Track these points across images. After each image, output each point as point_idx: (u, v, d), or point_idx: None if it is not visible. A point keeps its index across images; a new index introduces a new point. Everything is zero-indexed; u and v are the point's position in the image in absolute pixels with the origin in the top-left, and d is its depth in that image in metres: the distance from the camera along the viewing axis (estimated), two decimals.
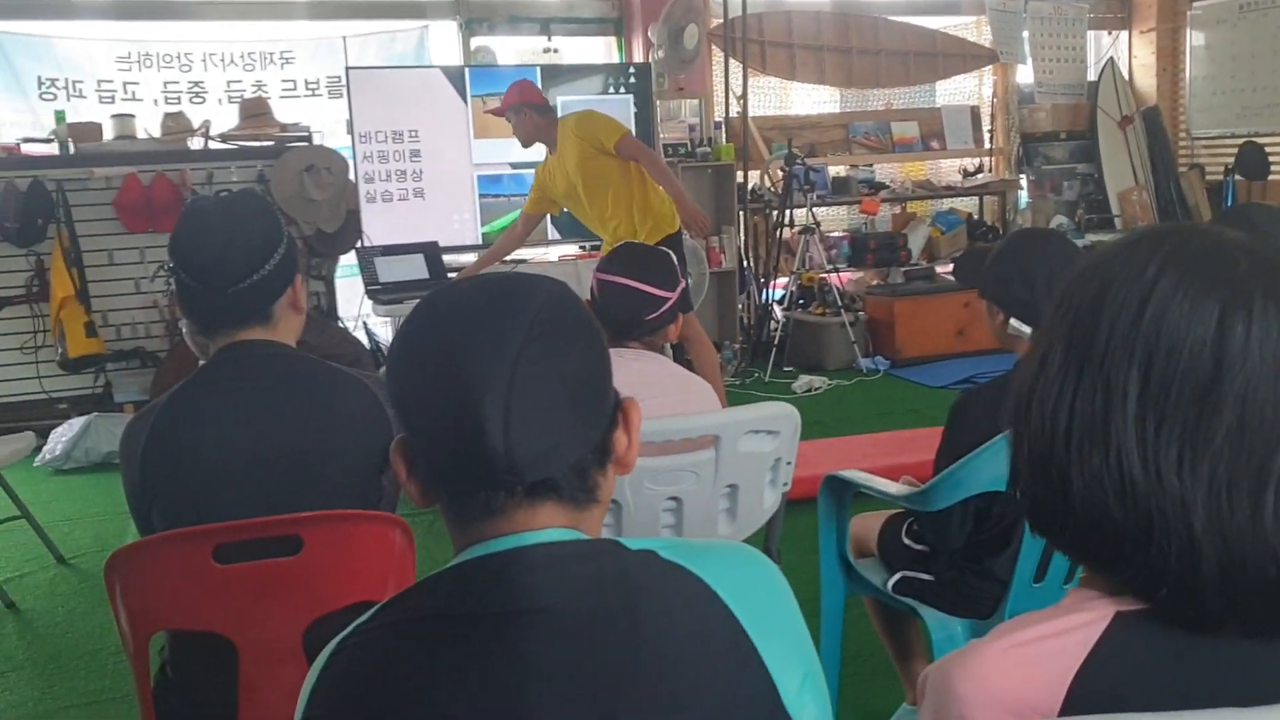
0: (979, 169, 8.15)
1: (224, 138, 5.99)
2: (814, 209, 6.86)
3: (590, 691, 0.87)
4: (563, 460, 0.93)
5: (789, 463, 2.16)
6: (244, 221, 1.79)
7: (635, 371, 2.12)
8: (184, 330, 5.27)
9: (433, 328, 0.94)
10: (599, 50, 7.31)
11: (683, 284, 2.27)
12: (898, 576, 2.36)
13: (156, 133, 5.89)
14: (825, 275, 6.87)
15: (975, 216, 8.05)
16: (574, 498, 0.95)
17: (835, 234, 7.60)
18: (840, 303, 6.70)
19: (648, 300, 2.20)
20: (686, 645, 0.90)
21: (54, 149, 5.71)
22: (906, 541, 2.39)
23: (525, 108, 4.83)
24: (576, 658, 0.88)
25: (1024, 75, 8.30)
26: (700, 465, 2.02)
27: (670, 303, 2.23)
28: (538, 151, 5.05)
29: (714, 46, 7.24)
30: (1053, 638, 0.94)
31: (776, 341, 6.75)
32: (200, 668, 1.77)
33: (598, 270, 2.28)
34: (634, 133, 6.38)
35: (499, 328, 0.91)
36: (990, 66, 8.22)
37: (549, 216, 5.59)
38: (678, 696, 0.88)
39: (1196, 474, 0.89)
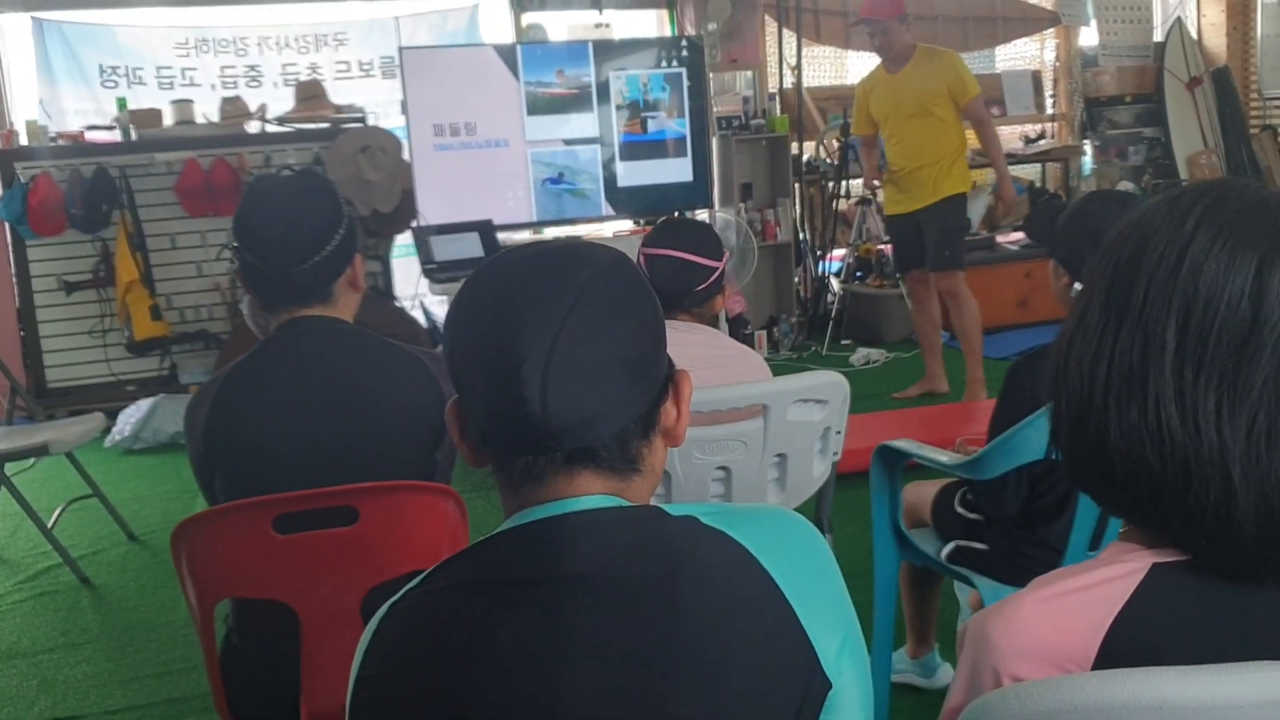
0: (1041, 135, 7.99)
1: (280, 121, 6.06)
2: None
3: (629, 657, 0.89)
4: (603, 429, 0.93)
5: (838, 432, 2.15)
6: (307, 203, 1.83)
7: (687, 343, 2.12)
8: (245, 312, 5.37)
9: (485, 292, 0.96)
10: (650, 23, 7.28)
11: (728, 254, 2.27)
12: (951, 546, 2.34)
13: (215, 117, 5.99)
14: (882, 246, 6.79)
15: (1037, 184, 7.91)
16: (614, 467, 0.96)
17: None
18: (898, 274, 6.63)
19: (697, 271, 2.20)
20: (725, 611, 0.90)
21: (116, 136, 5.83)
22: (960, 511, 2.37)
23: (906, 20, 5.06)
24: (616, 624, 0.89)
25: (1087, 37, 8.12)
26: (749, 435, 2.02)
27: (718, 272, 2.24)
28: (583, 127, 5.05)
29: (767, 17, 7.17)
30: (1089, 589, 0.95)
31: (833, 314, 6.70)
32: (264, 635, 1.82)
33: (644, 246, 2.29)
34: (687, 105, 6.39)
35: (547, 295, 0.92)
36: (1052, 29, 8.04)
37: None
38: (716, 662, 0.89)
39: (1235, 423, 0.89)
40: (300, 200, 1.82)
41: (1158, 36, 8.14)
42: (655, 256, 2.24)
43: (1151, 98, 8.12)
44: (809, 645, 0.91)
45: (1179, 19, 8.22)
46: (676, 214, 2.11)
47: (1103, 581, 0.95)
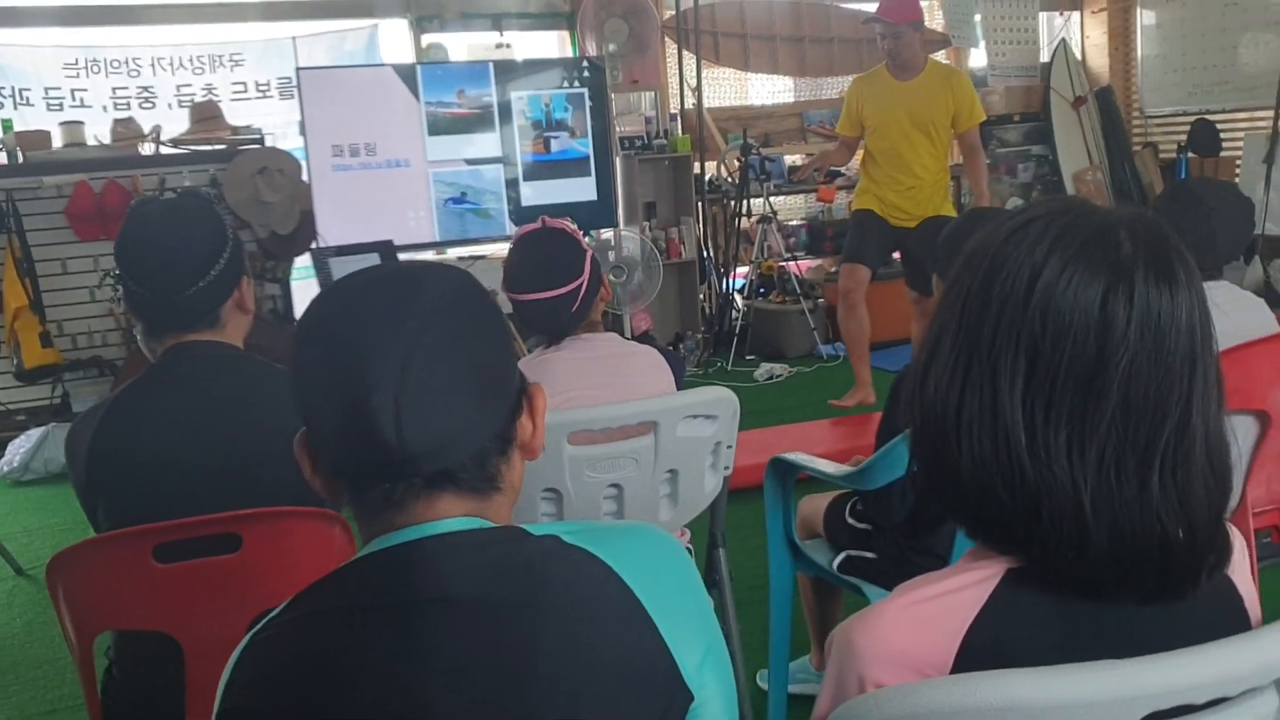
0: None
1: (175, 142, 5.94)
2: (771, 198, 6.89)
3: (493, 677, 0.89)
4: (460, 450, 0.93)
5: (729, 446, 2.18)
6: (189, 227, 1.81)
7: (567, 360, 2.14)
8: (139, 338, 5.24)
9: (327, 321, 0.94)
10: (552, 44, 7.31)
11: (589, 254, 2.24)
12: (842, 556, 2.39)
13: (106, 139, 5.85)
14: (784, 263, 6.90)
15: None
16: (474, 487, 0.96)
17: (793, 222, 7.64)
18: (800, 290, 6.74)
19: (562, 300, 2.18)
20: (587, 627, 0.91)
21: (2, 158, 5.65)
22: (850, 521, 2.43)
23: (921, 28, 4.89)
24: (479, 644, 0.89)
25: (977, 59, 8.35)
26: (640, 451, 2.04)
27: (584, 285, 2.20)
28: (486, 147, 4.97)
29: (667, 39, 7.25)
30: (947, 595, 0.98)
31: (738, 330, 6.78)
32: (146, 667, 1.79)
33: (504, 288, 2.25)
34: (590, 125, 6.41)
35: (391, 321, 0.91)
36: (943, 51, 8.25)
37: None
38: (579, 678, 0.90)
39: (1086, 457, 0.92)
40: (182, 224, 1.80)
41: (1044, 57, 8.41)
42: (519, 302, 2.21)
43: (1038, 116, 8.39)
44: (670, 659, 0.93)
45: (1064, 41, 8.51)
46: (533, 226, 1.98)
47: (959, 588, 0.98)
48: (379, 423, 0.88)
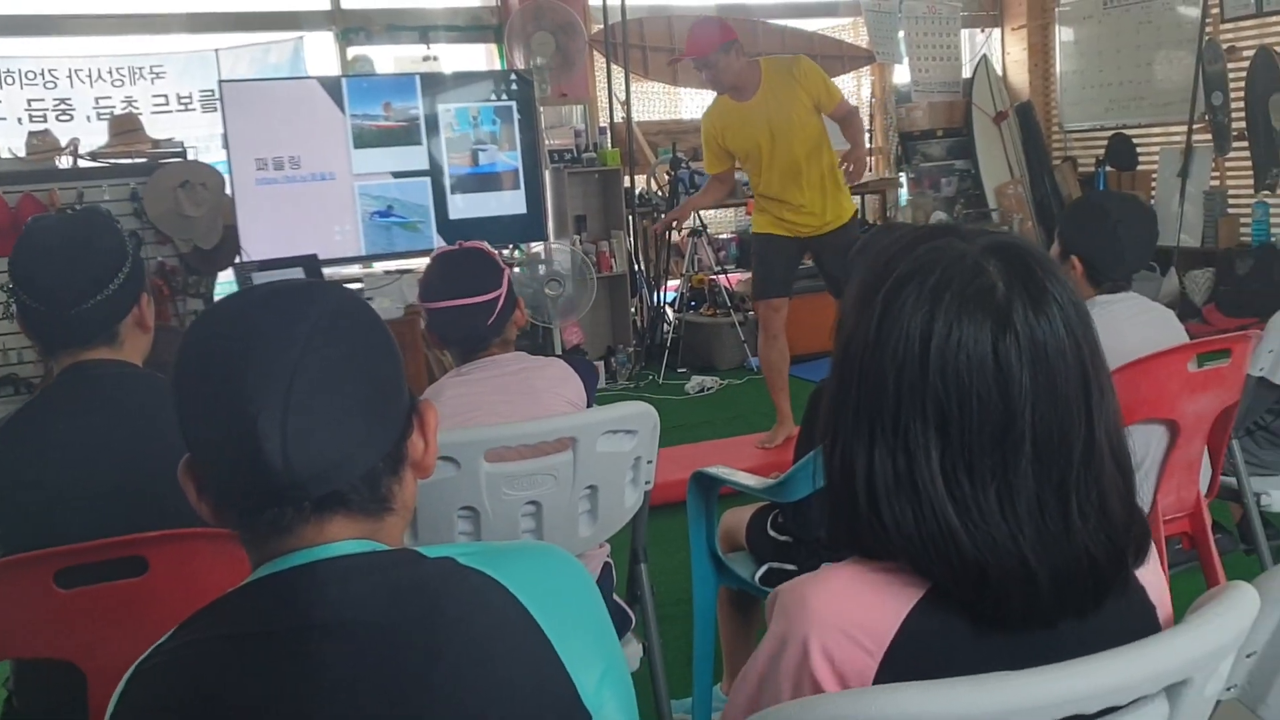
0: None
1: (94, 155, 5.82)
2: (700, 211, 6.92)
3: (388, 703, 0.87)
4: (350, 472, 0.92)
5: (649, 461, 2.18)
6: (86, 241, 1.76)
7: (474, 382, 2.13)
8: None
9: (208, 345, 0.93)
10: (479, 57, 7.29)
11: (506, 271, 2.24)
12: (764, 568, 2.41)
13: (21, 152, 5.71)
14: (714, 277, 6.94)
15: (857, 215, 8.18)
16: (366, 509, 0.94)
17: (723, 236, 7.69)
18: (730, 303, 6.78)
19: (478, 309, 2.17)
20: (483, 650, 0.90)
21: None
22: (771, 533, 2.44)
23: (734, 46, 4.50)
24: (373, 670, 0.88)
25: (901, 75, 8.49)
26: (559, 468, 2.03)
27: (501, 298, 2.20)
28: (413, 160, 4.93)
29: (596, 52, 7.27)
30: (898, 572, 0.99)
31: (669, 344, 6.80)
32: (47, 696, 1.74)
33: (420, 299, 2.24)
34: (519, 138, 6.39)
35: (274, 344, 0.89)
36: (868, 67, 8.39)
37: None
38: (474, 701, 0.88)
39: (1018, 509, 0.94)
40: (78, 238, 1.75)
41: (966, 73, 8.58)
42: (434, 310, 2.21)
43: (961, 131, 8.53)
44: (568, 679, 0.92)
45: (985, 57, 8.69)
46: (450, 247, 2.00)
47: (908, 569, 0.99)
48: (265, 447, 0.87)
